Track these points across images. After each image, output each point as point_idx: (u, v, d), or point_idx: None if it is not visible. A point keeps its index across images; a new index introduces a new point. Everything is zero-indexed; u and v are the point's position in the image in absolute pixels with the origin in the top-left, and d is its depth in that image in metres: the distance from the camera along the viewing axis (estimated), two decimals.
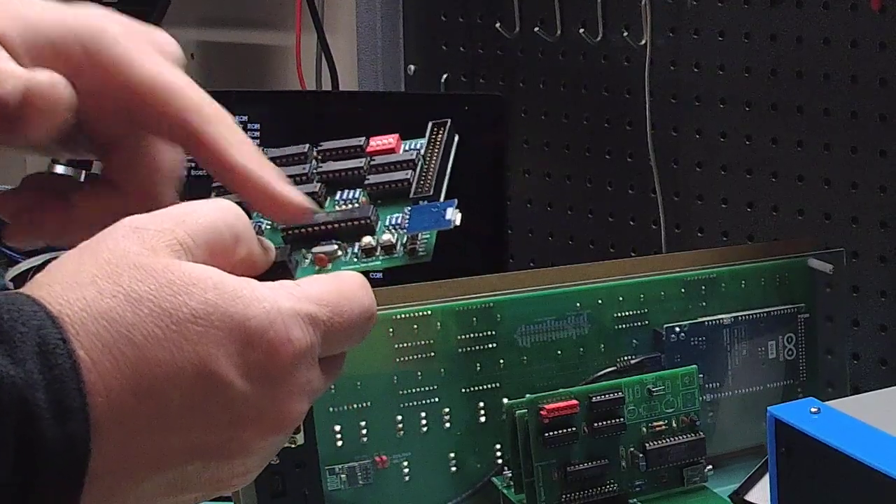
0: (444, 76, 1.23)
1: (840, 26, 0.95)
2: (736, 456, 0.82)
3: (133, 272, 0.42)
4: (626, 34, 1.08)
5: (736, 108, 1.03)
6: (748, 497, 0.76)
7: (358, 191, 0.52)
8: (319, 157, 0.54)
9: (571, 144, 1.16)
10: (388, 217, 0.51)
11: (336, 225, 0.51)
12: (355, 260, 0.51)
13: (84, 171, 1.31)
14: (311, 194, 0.51)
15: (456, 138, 0.53)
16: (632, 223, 1.13)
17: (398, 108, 1.13)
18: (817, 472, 0.62)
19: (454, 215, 0.51)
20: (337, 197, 0.53)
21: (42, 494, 0.38)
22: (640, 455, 0.73)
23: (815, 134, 0.99)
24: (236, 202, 0.48)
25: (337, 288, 0.46)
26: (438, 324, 0.74)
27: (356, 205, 0.52)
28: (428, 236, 0.51)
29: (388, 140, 0.53)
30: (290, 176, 0.52)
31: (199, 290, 0.42)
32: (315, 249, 0.50)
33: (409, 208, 0.51)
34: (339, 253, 0.51)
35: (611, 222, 1.14)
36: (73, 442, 0.39)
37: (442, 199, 0.52)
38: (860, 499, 0.59)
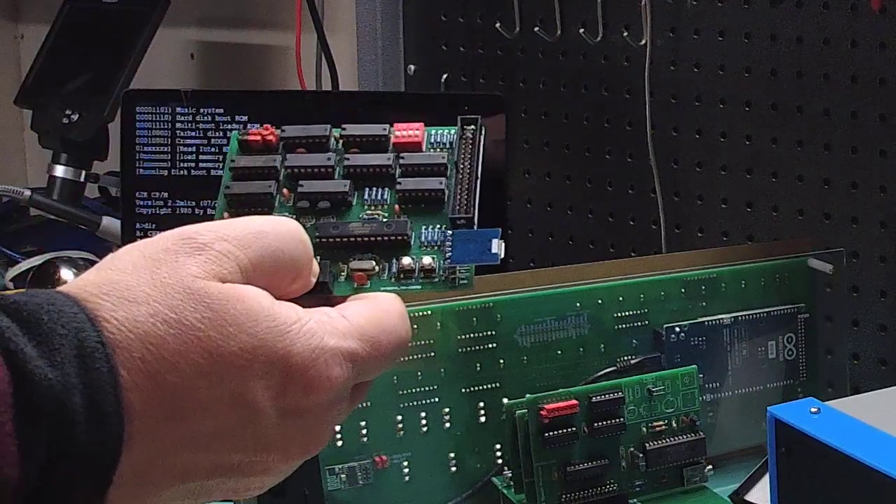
0: (444, 76, 1.23)
1: (840, 26, 0.95)
2: (736, 456, 0.82)
3: (188, 298, 0.41)
4: (626, 34, 1.08)
5: (736, 108, 1.03)
6: (748, 497, 0.76)
7: (386, 191, 0.51)
8: (342, 142, 0.52)
9: (571, 144, 1.16)
10: (423, 232, 0.50)
11: (371, 238, 0.50)
12: (392, 280, 0.50)
13: (84, 172, 1.31)
14: (339, 194, 0.50)
15: (484, 133, 0.52)
16: (632, 223, 1.13)
17: (398, 108, 1.13)
18: (817, 472, 0.62)
19: (499, 248, 0.50)
20: (365, 196, 0.51)
21: (69, 494, 0.38)
22: (640, 455, 0.73)
23: (815, 134, 0.99)
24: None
25: (379, 320, 0.46)
26: (438, 324, 0.74)
27: (385, 208, 0.51)
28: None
29: (414, 132, 0.52)
30: (313, 167, 0.51)
31: (250, 322, 0.42)
32: (353, 265, 0.50)
33: (450, 232, 0.50)
34: (377, 269, 0.50)
35: (611, 222, 1.14)
36: (104, 446, 0.39)
37: (476, 213, 0.50)
38: (860, 499, 0.59)
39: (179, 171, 1.14)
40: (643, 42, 1.06)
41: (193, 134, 1.14)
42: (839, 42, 0.96)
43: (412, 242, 0.50)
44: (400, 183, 0.51)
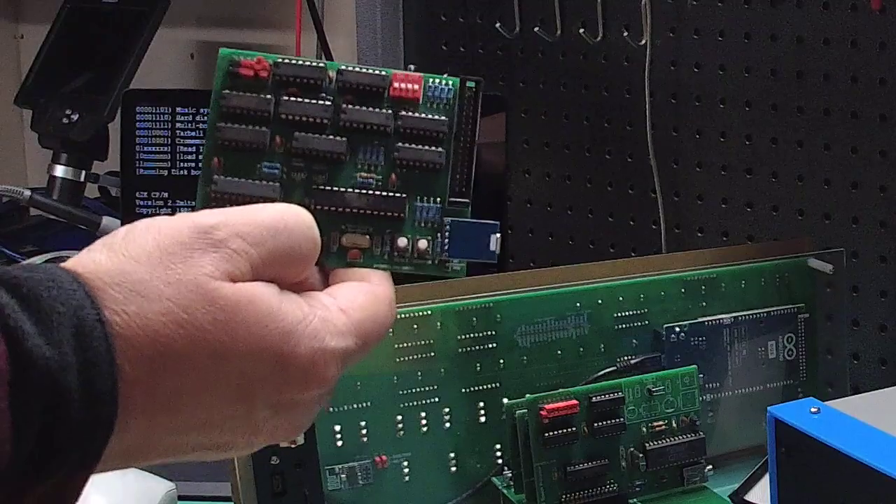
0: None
1: (840, 26, 0.95)
2: (736, 456, 0.82)
3: (201, 299, 0.42)
4: (626, 34, 1.08)
5: (736, 108, 1.03)
6: (748, 497, 0.76)
7: (381, 151, 0.50)
8: (338, 87, 0.50)
9: (571, 144, 1.16)
10: (418, 206, 0.50)
11: (366, 211, 0.49)
12: (386, 258, 0.50)
13: (84, 172, 1.31)
14: (335, 153, 0.49)
15: (481, 94, 0.51)
16: (632, 223, 1.13)
17: None
18: (817, 472, 0.62)
19: (497, 245, 0.50)
20: (359, 155, 0.50)
21: (58, 469, 0.39)
22: (640, 455, 0.73)
23: (815, 134, 0.99)
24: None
25: (373, 313, 0.47)
26: (438, 324, 0.74)
27: (379, 170, 0.50)
28: None
29: (413, 86, 0.51)
30: (306, 119, 0.49)
31: (259, 325, 0.43)
32: (347, 240, 0.49)
33: (448, 220, 0.50)
34: (370, 244, 0.49)
35: (611, 222, 1.14)
36: (96, 427, 0.39)
37: (471, 191, 0.50)
38: (860, 499, 0.59)
39: (179, 171, 1.14)
40: (643, 42, 1.06)
41: (193, 134, 1.14)
42: (839, 42, 0.96)
43: (406, 217, 0.50)
44: (398, 150, 0.50)
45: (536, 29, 1.13)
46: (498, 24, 1.15)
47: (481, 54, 1.20)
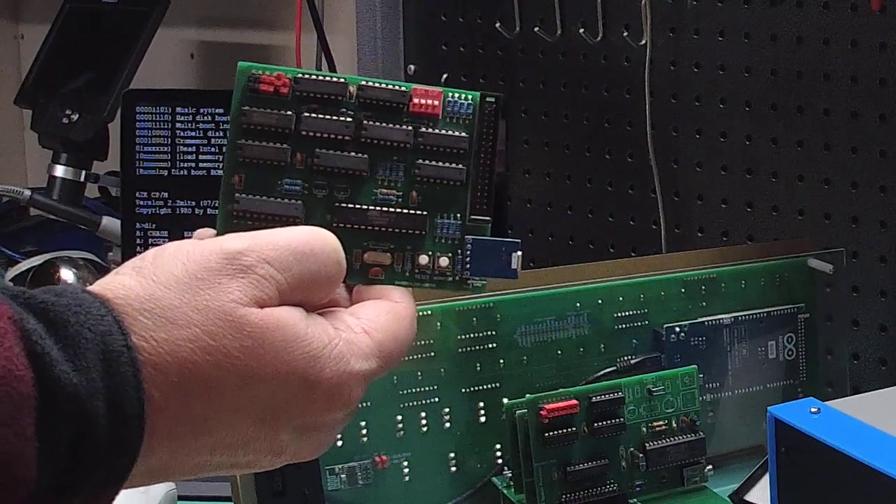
0: (444, 76, 1.22)
1: (840, 26, 0.95)
2: (736, 456, 0.82)
3: (229, 326, 0.42)
4: (626, 34, 1.08)
5: (736, 108, 1.03)
6: (748, 497, 0.76)
7: (402, 167, 0.50)
8: (359, 102, 0.50)
9: (571, 144, 1.16)
10: (439, 223, 0.50)
11: (388, 229, 0.50)
12: (407, 275, 0.50)
13: (84, 172, 1.31)
14: (357, 171, 0.49)
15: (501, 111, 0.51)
16: (632, 223, 1.13)
17: None
18: (817, 472, 0.62)
19: (518, 264, 0.50)
20: (380, 172, 0.50)
21: (83, 492, 0.39)
22: (640, 455, 0.73)
23: (815, 134, 0.99)
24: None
25: (395, 334, 0.47)
26: (438, 324, 0.74)
27: (400, 186, 0.50)
28: None
29: (433, 101, 0.50)
30: (327, 136, 0.49)
31: (286, 350, 0.43)
32: (368, 258, 0.49)
33: (470, 238, 0.50)
34: (392, 261, 0.50)
35: (611, 222, 1.14)
36: (123, 451, 0.40)
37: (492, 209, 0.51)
38: (860, 499, 0.59)
39: (179, 171, 1.14)
40: (643, 42, 1.06)
41: (193, 134, 1.14)
42: (839, 42, 0.96)
43: (427, 234, 0.50)
44: (418, 167, 0.50)
45: (536, 29, 1.13)
46: (498, 24, 1.15)
47: (481, 54, 1.20)
